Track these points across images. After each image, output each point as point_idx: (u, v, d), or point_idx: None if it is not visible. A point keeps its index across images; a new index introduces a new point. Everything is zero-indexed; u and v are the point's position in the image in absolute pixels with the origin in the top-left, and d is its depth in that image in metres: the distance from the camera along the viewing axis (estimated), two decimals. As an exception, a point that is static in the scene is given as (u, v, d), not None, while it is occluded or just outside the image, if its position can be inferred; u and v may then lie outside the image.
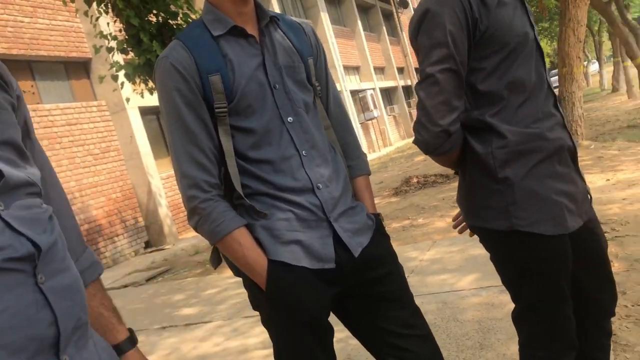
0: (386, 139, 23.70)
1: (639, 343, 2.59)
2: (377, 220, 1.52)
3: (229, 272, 6.12)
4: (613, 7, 12.14)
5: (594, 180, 6.58)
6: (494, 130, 1.43)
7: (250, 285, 1.43)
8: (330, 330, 1.46)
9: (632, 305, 3.01)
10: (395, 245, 1.54)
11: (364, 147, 20.80)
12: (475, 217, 1.53)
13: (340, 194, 1.42)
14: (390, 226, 6.39)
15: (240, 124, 1.36)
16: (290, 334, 1.41)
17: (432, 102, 1.38)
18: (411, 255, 4.69)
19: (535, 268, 1.48)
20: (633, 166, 7.00)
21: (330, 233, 1.39)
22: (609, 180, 6.45)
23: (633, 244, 4.04)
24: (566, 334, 1.54)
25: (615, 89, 21.21)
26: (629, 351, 2.54)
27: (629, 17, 13.21)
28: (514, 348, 2.67)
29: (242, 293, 5.10)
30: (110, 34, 6.96)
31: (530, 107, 1.44)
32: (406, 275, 1.54)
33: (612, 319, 2.84)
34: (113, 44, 6.96)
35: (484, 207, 1.49)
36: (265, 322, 1.46)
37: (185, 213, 1.40)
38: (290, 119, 1.38)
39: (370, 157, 20.23)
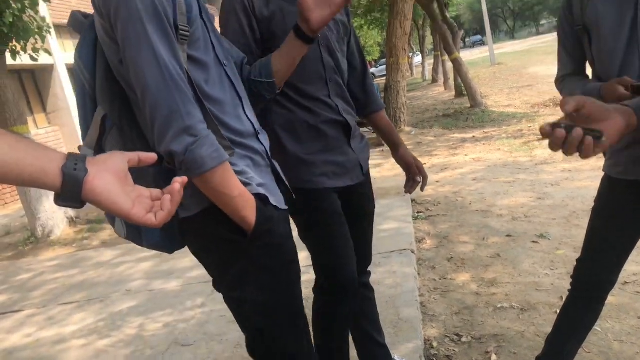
0: None
1: (444, 313, 2.90)
2: None
3: (46, 254, 5.60)
4: (435, 5, 13.22)
5: (413, 163, 7.18)
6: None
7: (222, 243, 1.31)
8: None
9: (440, 279, 3.35)
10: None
11: None
12: None
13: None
14: None
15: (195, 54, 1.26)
16: (278, 267, 1.35)
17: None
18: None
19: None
20: (446, 152, 7.78)
21: (274, 178, 1.43)
22: (425, 163, 7.09)
23: (442, 222, 4.50)
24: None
25: (434, 80, 23.28)
26: (435, 320, 2.83)
27: (448, 15, 14.51)
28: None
29: (60, 277, 4.71)
30: None
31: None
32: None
33: (422, 291, 3.13)
34: None
35: None
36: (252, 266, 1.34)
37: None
38: (226, 62, 1.36)
39: None
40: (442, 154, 7.62)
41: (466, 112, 11.54)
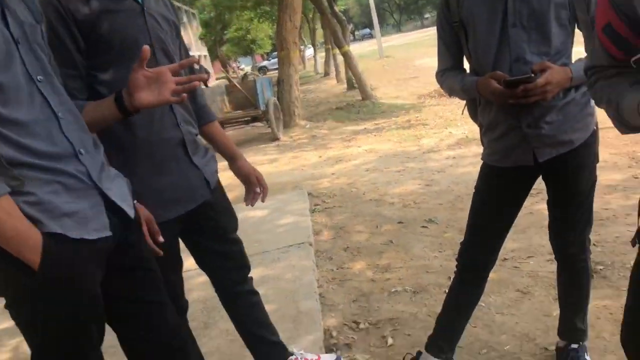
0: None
1: (342, 302, 2.97)
2: None
3: None
4: (324, -1, 13.43)
5: (309, 157, 7.28)
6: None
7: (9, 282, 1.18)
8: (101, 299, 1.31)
9: (337, 269, 3.43)
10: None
11: None
12: None
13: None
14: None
15: None
16: (67, 314, 1.21)
17: None
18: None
19: None
20: (340, 144, 7.95)
21: (102, 201, 1.26)
22: (321, 157, 7.21)
23: (339, 213, 4.60)
24: None
25: (327, 73, 23.67)
26: (334, 310, 2.89)
27: (337, 9, 14.78)
28: (236, 322, 2.79)
29: None
30: None
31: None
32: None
33: (321, 282, 3.19)
34: None
35: None
36: (31, 314, 1.20)
37: None
38: (40, 77, 1.19)
39: None
40: (337, 147, 7.78)
41: (358, 104, 11.86)
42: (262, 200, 2.07)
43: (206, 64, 36.16)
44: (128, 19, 1.58)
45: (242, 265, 2.03)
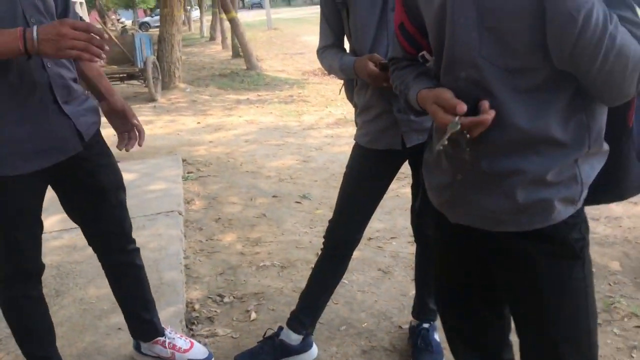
0: None
1: (209, 274, 2.91)
2: None
3: None
4: (214, -41, 12.92)
5: (187, 122, 7.02)
6: None
7: None
8: None
9: (206, 240, 3.35)
10: None
11: None
12: None
13: None
14: None
15: None
16: None
17: None
18: None
19: None
20: (220, 112, 7.76)
21: None
22: (199, 123, 6.99)
23: (213, 183, 4.49)
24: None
25: (212, 38, 22.91)
26: (199, 282, 2.82)
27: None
28: (92, 291, 2.63)
29: None
30: None
31: None
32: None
33: (188, 253, 3.10)
34: None
35: None
36: None
37: None
38: None
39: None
40: (217, 114, 7.58)
41: (242, 73, 11.63)
42: (140, 144, 1.87)
43: (82, 12, 33.31)
44: None
45: (120, 233, 1.88)
